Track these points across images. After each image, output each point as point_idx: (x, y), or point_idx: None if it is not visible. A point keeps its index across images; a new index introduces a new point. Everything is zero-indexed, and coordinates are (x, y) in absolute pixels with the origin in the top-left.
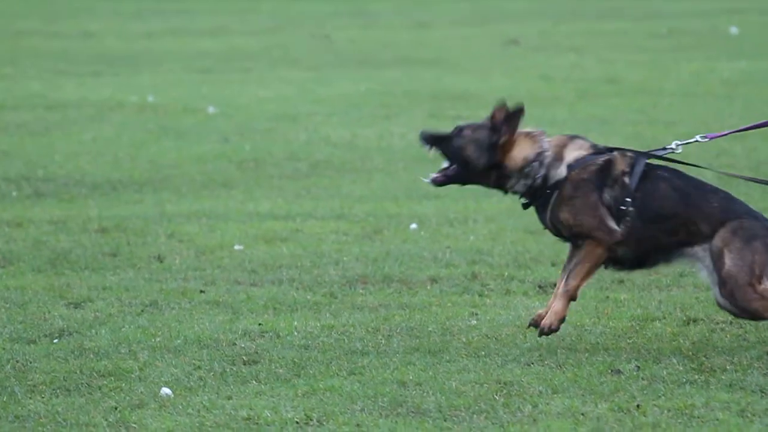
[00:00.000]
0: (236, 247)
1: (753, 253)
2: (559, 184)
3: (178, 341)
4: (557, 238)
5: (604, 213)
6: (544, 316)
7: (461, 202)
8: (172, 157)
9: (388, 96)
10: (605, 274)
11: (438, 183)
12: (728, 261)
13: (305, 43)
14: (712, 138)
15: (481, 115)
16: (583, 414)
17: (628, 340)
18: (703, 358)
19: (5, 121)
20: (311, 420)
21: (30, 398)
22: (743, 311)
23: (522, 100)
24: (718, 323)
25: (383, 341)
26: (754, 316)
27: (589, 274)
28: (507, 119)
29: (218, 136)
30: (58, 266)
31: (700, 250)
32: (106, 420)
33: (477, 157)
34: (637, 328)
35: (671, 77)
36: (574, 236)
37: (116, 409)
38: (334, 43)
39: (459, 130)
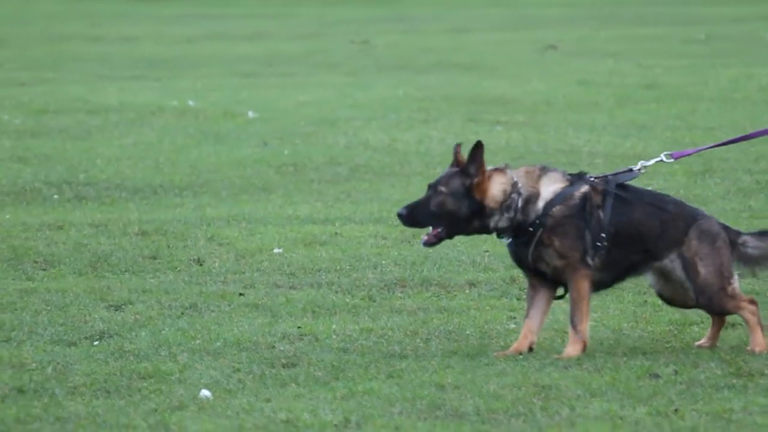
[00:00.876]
0: (275, 251)
1: (719, 257)
2: (542, 220)
3: (218, 344)
4: (528, 273)
5: (586, 245)
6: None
7: None
8: (212, 161)
9: (426, 100)
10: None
11: (429, 245)
12: (702, 269)
13: (345, 48)
14: (677, 157)
15: (519, 119)
16: (621, 418)
17: (666, 345)
18: (741, 363)
19: (47, 126)
20: (350, 423)
21: (71, 400)
22: (720, 311)
23: (560, 107)
24: None
25: (422, 344)
26: (729, 313)
27: (587, 311)
28: (471, 158)
29: (258, 140)
30: (98, 269)
31: (668, 261)
32: (146, 422)
33: (459, 207)
34: (675, 332)
35: (709, 83)
36: (557, 271)
37: (156, 411)
38: (373, 48)
39: (433, 189)
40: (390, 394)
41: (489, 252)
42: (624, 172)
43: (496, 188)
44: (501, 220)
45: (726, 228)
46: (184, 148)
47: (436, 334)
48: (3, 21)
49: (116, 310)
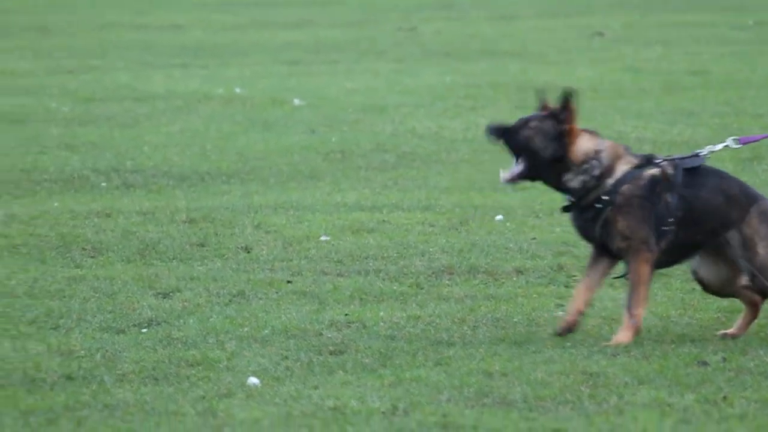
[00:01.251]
0: (323, 238)
1: None
2: (611, 197)
3: (266, 331)
4: (595, 246)
5: (651, 227)
6: (566, 323)
7: (547, 194)
8: (259, 148)
9: (473, 87)
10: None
11: (509, 181)
12: (761, 250)
13: (392, 36)
14: (745, 142)
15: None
16: (669, 405)
17: (714, 332)
18: None
19: (94, 114)
20: (397, 410)
21: (119, 387)
22: None
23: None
24: None
25: (469, 332)
26: None
27: (646, 296)
28: (562, 106)
29: (305, 127)
30: (146, 256)
31: (728, 237)
32: (194, 409)
33: (544, 147)
34: (724, 319)
35: (758, 69)
36: (620, 250)
37: (204, 398)
38: (420, 35)
39: (525, 122)
40: (437, 382)
41: (536, 239)
42: (690, 156)
43: (581, 146)
44: (574, 180)
45: None
46: (231, 135)
47: (484, 321)
48: (50, 9)
49: (164, 298)
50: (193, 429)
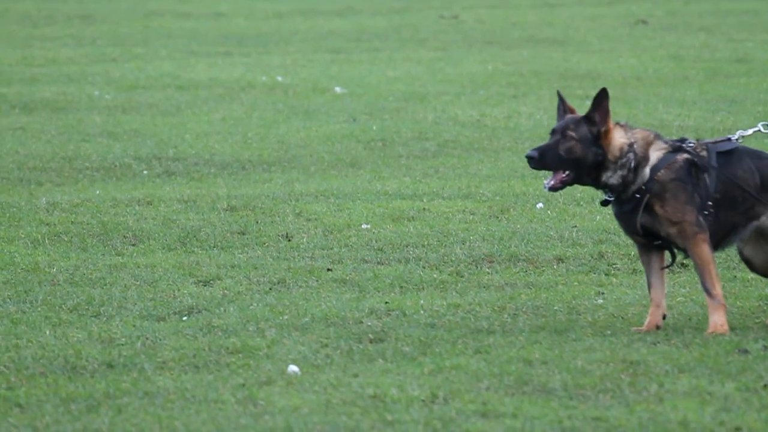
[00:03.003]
0: (363, 226)
1: None
2: (648, 186)
3: (306, 319)
4: (637, 240)
5: (697, 206)
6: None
7: None
8: (300, 136)
9: (515, 75)
10: (733, 251)
11: (555, 189)
12: None
13: (434, 23)
14: None
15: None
16: (709, 393)
17: (755, 320)
18: None
19: (137, 101)
20: (437, 398)
21: (159, 375)
22: None
23: (651, 82)
24: None
25: (509, 320)
26: None
27: (716, 273)
28: (595, 106)
29: (346, 115)
30: (187, 244)
31: (765, 218)
32: (234, 397)
33: (586, 154)
34: (765, 307)
35: None
36: (672, 236)
37: (244, 386)
38: (462, 23)
39: (561, 133)
40: (477, 370)
41: (577, 227)
42: (723, 141)
43: (617, 142)
44: (613, 177)
45: None
46: (273, 123)
47: (524, 309)
48: None
49: (205, 286)
50: (233, 417)
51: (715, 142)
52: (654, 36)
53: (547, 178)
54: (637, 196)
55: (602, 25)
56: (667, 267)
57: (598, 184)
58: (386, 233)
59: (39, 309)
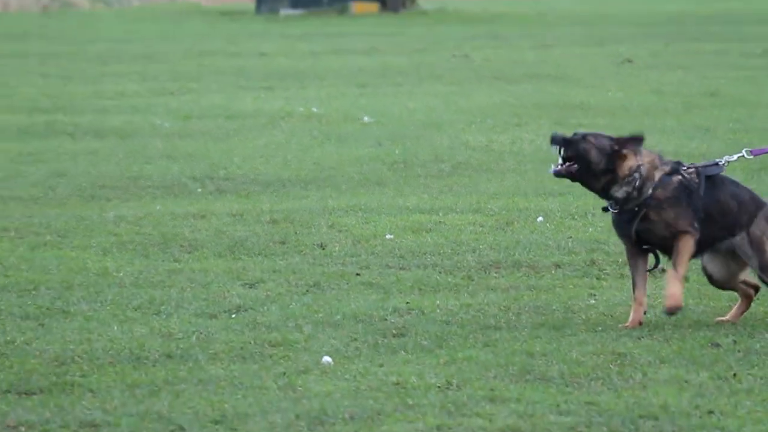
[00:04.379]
0: (387, 237)
1: None
2: (647, 201)
3: (338, 317)
4: (628, 245)
5: (690, 213)
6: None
7: (582, 199)
8: (333, 159)
9: (518, 107)
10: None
11: (559, 174)
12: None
13: (447, 62)
14: (757, 154)
15: (599, 123)
16: (686, 381)
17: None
18: None
19: (192, 129)
20: (451, 385)
21: (211, 365)
22: None
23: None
24: None
25: (513, 318)
26: None
27: (688, 261)
28: (632, 139)
29: (373, 141)
30: (235, 252)
31: (738, 239)
32: (276, 384)
33: (598, 161)
34: (733, 307)
35: (765, 91)
36: (664, 238)
37: (284, 374)
38: (472, 61)
39: (583, 137)
40: (486, 361)
41: (572, 238)
42: (711, 165)
43: (627, 163)
44: (620, 191)
45: None
46: (309, 148)
47: (526, 309)
48: (155, 40)
49: (250, 288)
50: (275, 401)
51: (705, 167)
52: (638, 73)
53: (555, 165)
54: (636, 209)
55: (593, 64)
56: (650, 270)
57: (605, 194)
58: (407, 243)
59: (108, 308)
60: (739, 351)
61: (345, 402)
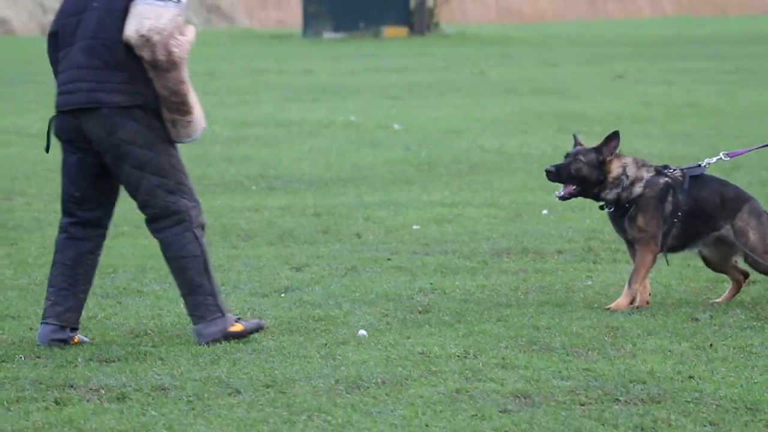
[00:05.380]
0: (414, 227)
1: (764, 228)
2: (636, 199)
3: (372, 296)
4: (625, 238)
5: (660, 226)
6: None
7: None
8: (368, 161)
9: (526, 116)
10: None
11: (564, 198)
12: (751, 236)
13: (466, 78)
14: (732, 156)
15: (596, 130)
16: (670, 350)
17: (704, 296)
18: (760, 310)
19: (247, 134)
20: (469, 354)
21: (264, 337)
22: (764, 270)
23: (626, 121)
24: None
25: (522, 296)
26: None
27: (645, 277)
28: (606, 142)
29: (402, 146)
30: (284, 240)
31: (724, 231)
32: (319, 353)
33: (590, 174)
34: (711, 287)
35: (738, 103)
36: (635, 240)
37: (326, 345)
38: (487, 77)
39: (574, 157)
40: (498, 333)
41: (572, 228)
42: (694, 167)
43: (615, 170)
44: (610, 193)
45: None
46: (348, 151)
47: (533, 289)
48: (216, 59)
49: (297, 271)
50: (318, 368)
51: (689, 168)
52: (628, 87)
53: (558, 190)
54: (627, 206)
55: (590, 80)
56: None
57: (598, 198)
58: (431, 232)
59: (175, 288)
60: (715, 325)
61: (378, 369)
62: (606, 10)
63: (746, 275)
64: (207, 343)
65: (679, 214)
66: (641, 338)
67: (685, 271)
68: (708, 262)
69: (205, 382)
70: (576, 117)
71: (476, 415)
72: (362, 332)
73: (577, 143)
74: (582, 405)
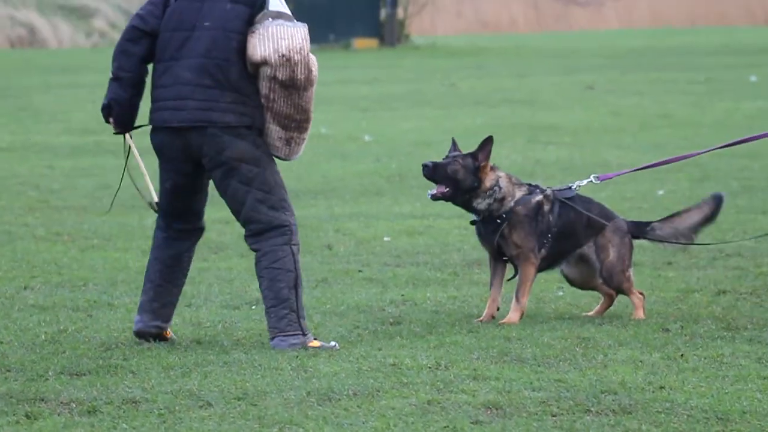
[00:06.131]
0: (385, 239)
1: (624, 248)
2: (507, 215)
3: (343, 307)
4: (490, 252)
5: (537, 240)
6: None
7: None
8: (338, 173)
9: (497, 127)
10: (658, 257)
11: (435, 198)
12: (611, 254)
13: (436, 89)
14: (603, 179)
15: (566, 140)
16: (641, 361)
17: (674, 307)
18: (730, 320)
19: None
20: (440, 365)
21: (234, 349)
22: (616, 288)
23: (597, 132)
24: (741, 294)
25: (501, 307)
26: (622, 291)
27: (530, 290)
28: (481, 147)
29: (373, 157)
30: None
31: (586, 248)
32: (290, 365)
33: (465, 179)
34: (682, 297)
35: (707, 113)
36: (514, 257)
37: (297, 357)
38: (458, 89)
39: (453, 158)
40: (470, 344)
41: None
42: (565, 189)
43: (489, 178)
44: (482, 203)
45: (636, 223)
46: (318, 163)
47: (505, 300)
48: None
49: None
50: (289, 380)
51: (560, 190)
52: (599, 98)
53: (432, 189)
54: (498, 221)
55: (561, 90)
56: (510, 279)
57: (469, 207)
58: (402, 244)
59: None
60: (686, 335)
61: (349, 381)
62: (576, 21)
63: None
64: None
65: (549, 235)
66: (612, 349)
67: (655, 281)
68: (571, 281)
69: (176, 395)
70: (547, 128)
71: (448, 426)
72: (333, 344)
73: (455, 148)
74: (553, 416)
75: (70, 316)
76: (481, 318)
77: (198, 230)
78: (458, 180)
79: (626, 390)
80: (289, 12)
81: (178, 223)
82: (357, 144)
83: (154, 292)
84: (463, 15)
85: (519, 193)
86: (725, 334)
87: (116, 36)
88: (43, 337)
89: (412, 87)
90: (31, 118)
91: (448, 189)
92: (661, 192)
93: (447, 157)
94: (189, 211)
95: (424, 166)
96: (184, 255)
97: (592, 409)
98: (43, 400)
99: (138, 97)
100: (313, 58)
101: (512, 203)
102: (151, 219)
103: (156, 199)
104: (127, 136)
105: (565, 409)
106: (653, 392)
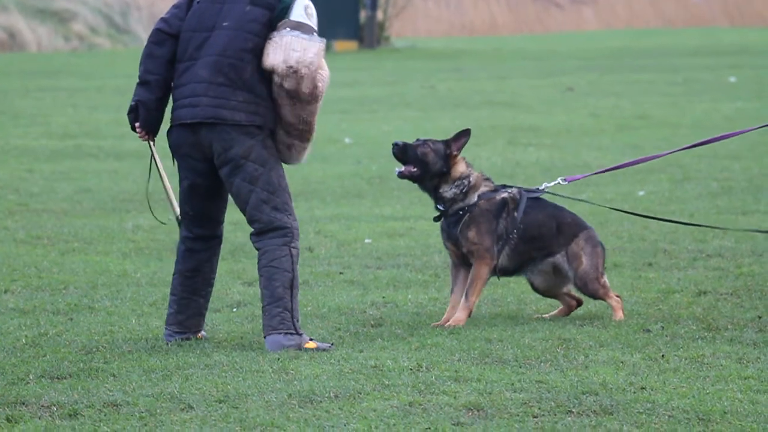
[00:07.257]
0: (366, 241)
1: (597, 257)
2: (470, 208)
3: (324, 309)
4: (452, 254)
5: (494, 239)
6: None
7: None
8: (319, 175)
9: (477, 129)
10: (639, 258)
11: (401, 176)
12: (584, 261)
13: (416, 91)
14: (570, 180)
15: (546, 142)
16: (622, 362)
17: (655, 308)
18: (711, 320)
19: None
20: (421, 367)
21: (216, 352)
22: (592, 295)
23: (576, 133)
24: (722, 294)
25: (474, 309)
26: (599, 298)
27: (481, 290)
28: (456, 138)
29: (353, 159)
30: (236, 255)
31: (559, 256)
32: (272, 368)
33: (434, 162)
34: (662, 298)
35: (686, 114)
36: (469, 253)
37: (279, 359)
38: (437, 91)
39: (423, 142)
40: (451, 346)
41: None
42: (534, 190)
43: (459, 168)
44: (448, 191)
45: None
46: (299, 166)
47: (485, 301)
48: None
49: (249, 286)
50: (270, 382)
51: (528, 190)
52: (579, 99)
53: (398, 168)
54: (460, 213)
55: (541, 92)
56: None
57: (435, 194)
58: (383, 246)
59: (127, 304)
60: (666, 336)
61: (331, 383)
62: (555, 23)
63: (579, 303)
64: (280, 350)
65: (514, 232)
66: (593, 350)
67: (636, 282)
68: (536, 289)
69: (157, 398)
70: (527, 129)
71: (429, 428)
72: (328, 344)
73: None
74: (535, 417)
75: (51, 319)
76: (438, 323)
77: (216, 239)
78: (427, 163)
79: (607, 391)
80: (311, 24)
81: (198, 228)
82: (337, 146)
83: (177, 305)
84: (442, 17)
85: (484, 189)
86: (706, 334)
87: (96, 40)
88: (23, 340)
89: (392, 89)
90: (11, 122)
91: (416, 169)
92: (641, 192)
93: (418, 139)
94: (207, 215)
95: (394, 144)
96: (204, 266)
97: (573, 410)
98: (23, 403)
99: (164, 100)
100: (324, 74)
101: (476, 198)
102: (132, 222)
103: (179, 212)
104: (153, 146)
105: (547, 410)
106: (634, 393)
